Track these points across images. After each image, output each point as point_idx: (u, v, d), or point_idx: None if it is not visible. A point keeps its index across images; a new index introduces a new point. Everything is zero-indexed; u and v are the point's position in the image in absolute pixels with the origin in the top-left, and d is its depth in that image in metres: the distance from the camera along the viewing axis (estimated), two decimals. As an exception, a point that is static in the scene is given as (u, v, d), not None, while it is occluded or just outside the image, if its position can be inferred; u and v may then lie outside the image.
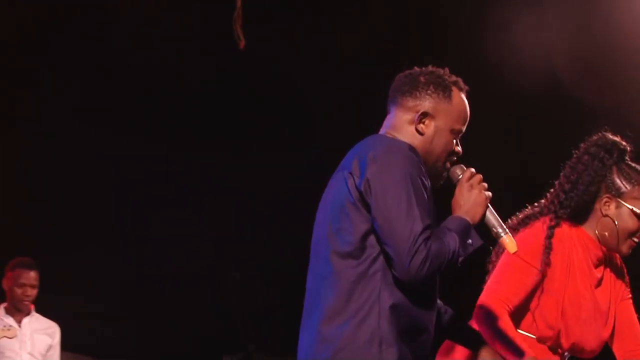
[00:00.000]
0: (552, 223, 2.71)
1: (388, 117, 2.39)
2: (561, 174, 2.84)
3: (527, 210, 2.87)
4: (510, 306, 2.64)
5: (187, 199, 8.07)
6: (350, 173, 2.22)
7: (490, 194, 2.28)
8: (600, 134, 2.81)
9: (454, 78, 2.38)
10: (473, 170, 2.32)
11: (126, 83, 6.89)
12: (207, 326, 8.65)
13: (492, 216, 2.29)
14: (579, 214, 2.73)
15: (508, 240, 2.29)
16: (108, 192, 7.67)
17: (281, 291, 9.46)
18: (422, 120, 2.32)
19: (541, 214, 2.78)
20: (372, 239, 2.20)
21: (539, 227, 2.71)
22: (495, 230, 2.29)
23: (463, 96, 2.37)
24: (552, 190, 2.85)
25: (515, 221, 2.84)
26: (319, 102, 7.10)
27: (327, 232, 2.27)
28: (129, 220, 7.80)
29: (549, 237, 2.68)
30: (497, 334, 2.55)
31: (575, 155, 2.82)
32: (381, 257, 2.19)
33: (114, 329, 7.90)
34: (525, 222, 2.78)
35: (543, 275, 2.66)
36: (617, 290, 2.83)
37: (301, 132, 7.60)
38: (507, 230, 2.30)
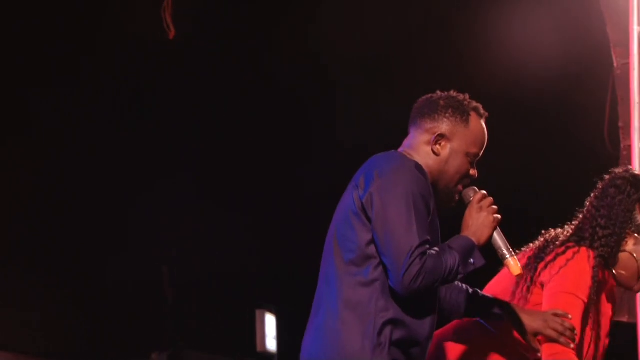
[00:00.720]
0: (596, 262, 2.66)
1: (408, 137, 2.49)
2: (588, 203, 2.80)
3: (555, 234, 2.81)
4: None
5: (117, 196, 8.03)
6: (357, 186, 2.35)
7: (499, 216, 2.37)
8: (626, 167, 2.84)
9: (474, 104, 2.47)
10: (485, 193, 2.41)
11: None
12: (136, 323, 8.63)
13: (499, 238, 2.38)
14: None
15: (513, 263, 2.38)
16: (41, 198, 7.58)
17: (211, 288, 9.49)
18: (438, 141, 2.42)
19: (578, 243, 2.71)
20: (373, 248, 2.31)
21: (585, 263, 2.65)
22: (501, 252, 2.39)
23: (482, 122, 2.47)
24: (581, 217, 2.80)
25: (544, 245, 2.77)
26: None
27: (334, 239, 2.39)
28: (59, 221, 7.71)
29: (595, 276, 2.64)
30: None
31: (600, 186, 2.80)
32: (381, 267, 2.30)
33: (45, 328, 7.76)
34: (561, 250, 2.70)
35: (587, 310, 2.64)
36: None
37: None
38: (512, 253, 2.39)
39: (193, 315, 9.59)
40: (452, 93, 2.48)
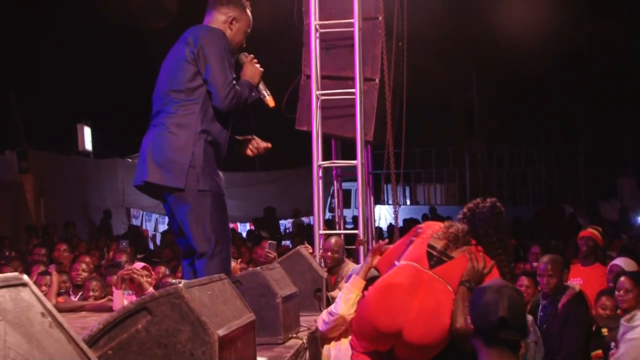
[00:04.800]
0: None
1: (208, 16, 3.45)
2: (481, 222, 3.26)
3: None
4: None
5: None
6: (187, 43, 3.29)
7: (262, 69, 3.44)
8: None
9: (248, 2, 3.48)
10: (252, 56, 3.46)
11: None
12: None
13: (262, 85, 3.44)
14: None
15: (269, 100, 3.45)
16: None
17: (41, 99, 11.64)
18: (232, 21, 3.42)
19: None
20: (197, 82, 3.25)
21: None
22: (262, 94, 3.44)
23: (250, 13, 3.48)
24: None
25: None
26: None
27: (167, 80, 3.32)
28: None
29: None
30: None
31: (490, 213, 3.26)
32: (202, 96, 3.25)
33: None
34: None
35: None
36: None
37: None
38: (269, 94, 3.44)
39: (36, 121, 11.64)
40: None
